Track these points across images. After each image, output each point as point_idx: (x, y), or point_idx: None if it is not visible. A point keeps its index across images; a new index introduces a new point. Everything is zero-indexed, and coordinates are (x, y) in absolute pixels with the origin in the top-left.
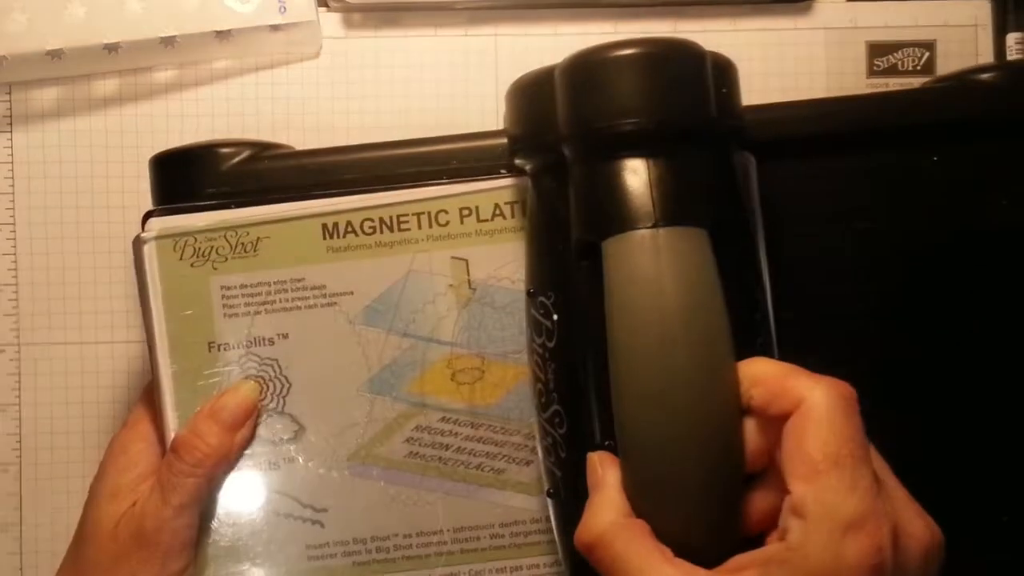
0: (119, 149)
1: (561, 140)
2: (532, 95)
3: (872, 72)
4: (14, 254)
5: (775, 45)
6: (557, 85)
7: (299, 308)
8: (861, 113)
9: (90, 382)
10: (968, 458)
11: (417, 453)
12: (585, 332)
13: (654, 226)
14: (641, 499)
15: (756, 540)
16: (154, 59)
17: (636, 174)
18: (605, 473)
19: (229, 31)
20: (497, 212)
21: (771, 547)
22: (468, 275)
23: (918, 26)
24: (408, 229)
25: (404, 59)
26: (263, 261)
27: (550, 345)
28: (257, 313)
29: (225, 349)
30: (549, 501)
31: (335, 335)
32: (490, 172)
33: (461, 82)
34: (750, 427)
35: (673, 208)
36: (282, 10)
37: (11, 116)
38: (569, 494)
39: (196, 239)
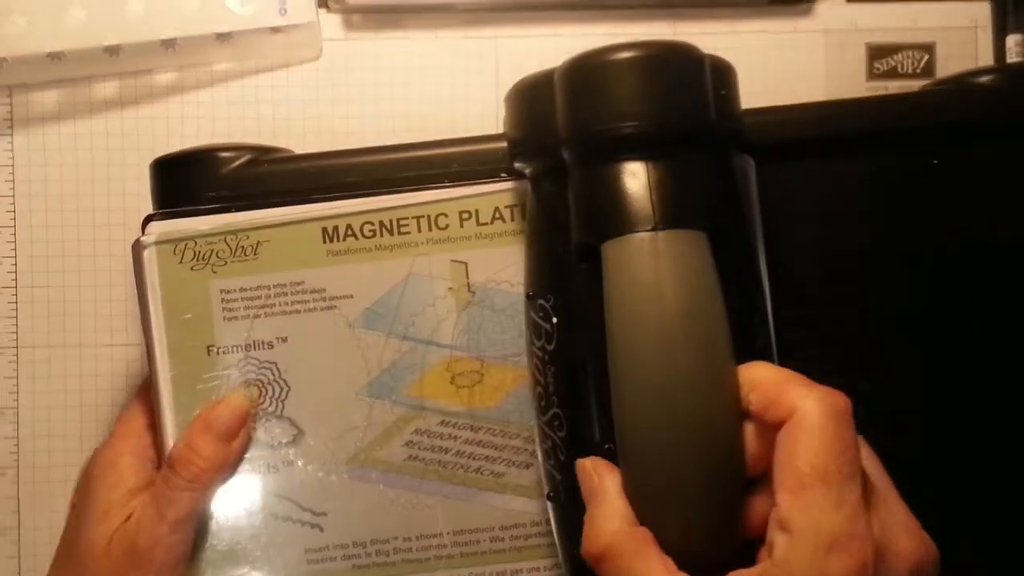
0: (119, 152)
1: (561, 143)
2: (531, 98)
3: (872, 74)
4: (14, 257)
5: (774, 47)
6: (556, 88)
7: (299, 311)
8: (860, 116)
9: (89, 385)
10: (967, 458)
11: (417, 456)
12: (585, 335)
13: (653, 229)
14: (642, 504)
15: (756, 543)
16: (154, 61)
17: (635, 177)
18: (603, 479)
19: (229, 33)
20: (497, 215)
21: (760, 566)
22: (468, 278)
23: (918, 28)
24: (408, 232)
25: (404, 61)
26: (263, 264)
27: (549, 348)
28: (257, 317)
29: (224, 353)
30: (549, 504)
31: (334, 338)
32: (490, 175)
33: (461, 84)
34: (750, 431)
35: (672, 211)
36: (282, 12)
37: (11, 119)
38: (569, 497)
39: (196, 243)
